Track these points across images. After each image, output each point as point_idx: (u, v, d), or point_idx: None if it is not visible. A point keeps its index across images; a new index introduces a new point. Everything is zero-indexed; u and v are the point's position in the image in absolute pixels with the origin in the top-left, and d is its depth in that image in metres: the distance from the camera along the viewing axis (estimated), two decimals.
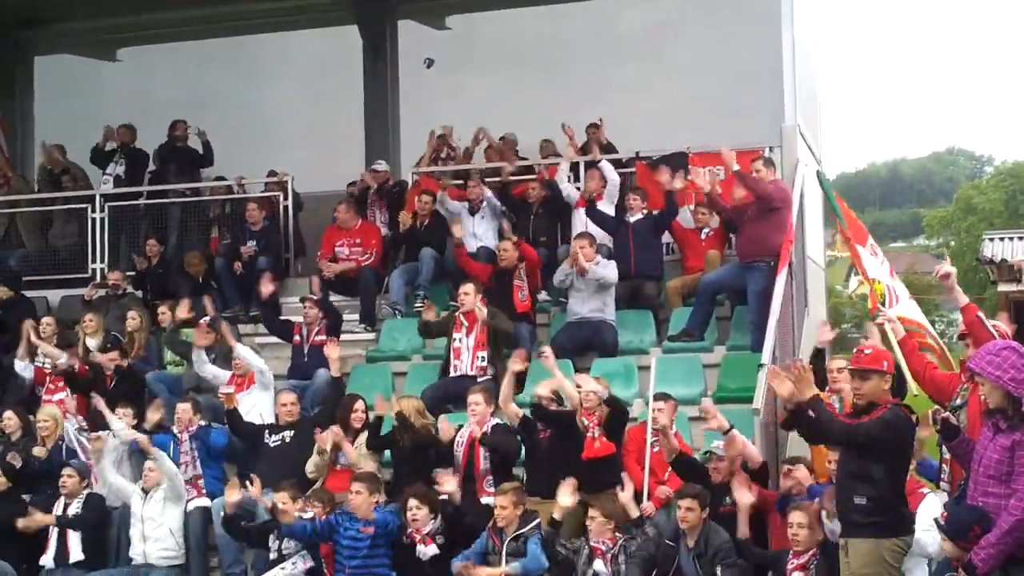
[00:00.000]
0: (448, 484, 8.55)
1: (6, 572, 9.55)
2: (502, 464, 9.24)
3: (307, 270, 13.76)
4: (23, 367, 12.05)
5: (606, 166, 12.44)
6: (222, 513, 9.21)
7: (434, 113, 15.18)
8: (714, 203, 11.66)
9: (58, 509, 9.72)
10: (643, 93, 15.23)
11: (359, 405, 10.07)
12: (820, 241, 15.33)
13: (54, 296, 14.18)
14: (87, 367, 11.44)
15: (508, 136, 14.73)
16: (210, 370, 11.22)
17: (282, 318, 12.34)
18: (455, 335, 10.88)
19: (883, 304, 9.08)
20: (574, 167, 13.10)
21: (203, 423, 10.31)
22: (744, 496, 7.95)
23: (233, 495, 9.06)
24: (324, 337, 11.48)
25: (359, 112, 16.35)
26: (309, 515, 8.70)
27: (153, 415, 10.37)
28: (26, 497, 10.07)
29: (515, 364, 9.57)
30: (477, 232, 12.70)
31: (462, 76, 16.27)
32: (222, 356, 11.40)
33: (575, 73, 15.77)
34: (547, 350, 9.67)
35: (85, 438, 10.44)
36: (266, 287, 11.92)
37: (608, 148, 13.46)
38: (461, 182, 13.59)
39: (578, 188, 12.76)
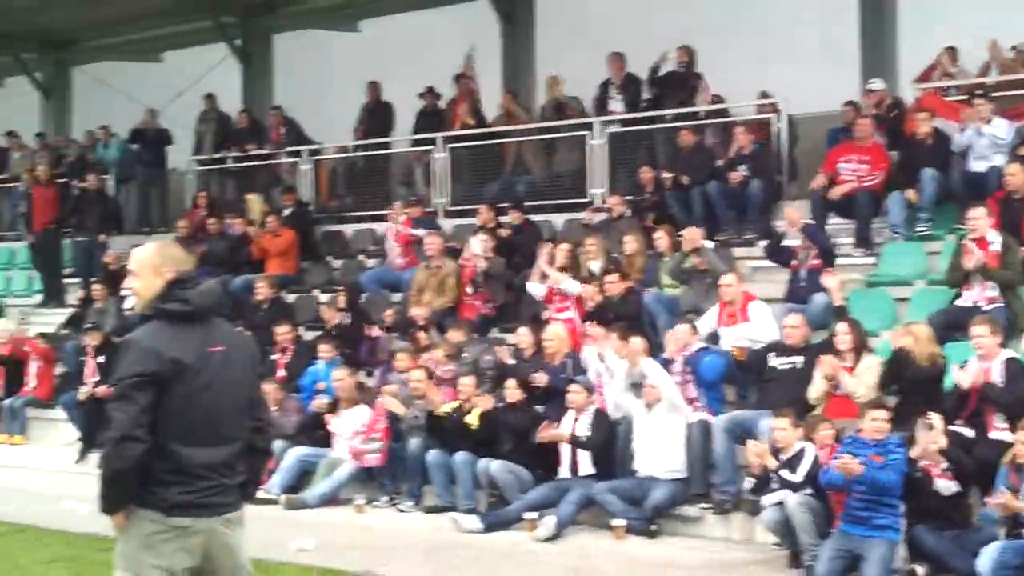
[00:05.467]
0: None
1: (524, 477, 10.26)
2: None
3: (801, 193, 13.60)
4: (535, 288, 12.72)
5: None
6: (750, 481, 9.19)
7: (937, 26, 14.39)
8: None
9: (567, 422, 10.27)
10: None
11: (840, 328, 9.78)
12: None
13: (558, 220, 14.93)
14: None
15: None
16: None
17: (782, 244, 12.29)
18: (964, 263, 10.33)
19: None
20: None
21: (702, 345, 10.53)
22: None
23: (755, 448, 8.91)
24: (819, 261, 11.35)
25: (855, 27, 15.77)
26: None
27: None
28: (539, 408, 10.75)
29: None
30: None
31: None
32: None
33: None
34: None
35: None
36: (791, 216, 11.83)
37: None
38: (965, 97, 12.85)
39: None
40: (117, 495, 4.60)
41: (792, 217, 11.57)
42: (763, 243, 12.37)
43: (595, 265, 12.49)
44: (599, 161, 14.94)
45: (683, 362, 10.25)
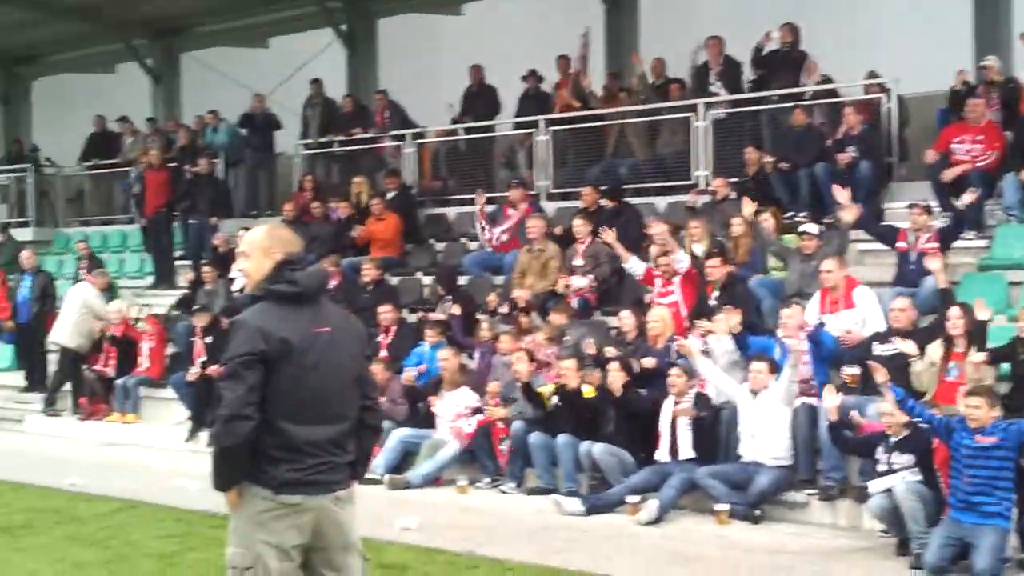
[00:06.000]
0: None
1: (626, 460, 10.23)
2: None
3: (912, 174, 13.33)
4: (634, 266, 12.60)
5: None
6: (827, 420, 9.18)
7: None
8: None
9: (668, 406, 10.18)
10: None
11: (953, 312, 9.56)
12: None
13: (660, 202, 14.81)
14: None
15: None
16: None
17: (885, 223, 12.07)
18: None
19: None
20: None
21: (818, 322, 10.39)
22: None
23: (831, 399, 8.99)
24: (933, 245, 11.09)
25: (968, 4, 15.37)
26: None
27: (731, 317, 10.43)
28: (643, 391, 10.70)
29: None
30: None
31: None
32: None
33: None
34: None
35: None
36: (840, 195, 11.68)
37: None
38: None
39: None
40: (228, 472, 4.69)
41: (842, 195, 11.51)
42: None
43: (698, 248, 12.37)
44: (703, 143, 14.76)
45: (807, 340, 10.07)
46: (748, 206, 12.01)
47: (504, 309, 13.00)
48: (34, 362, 17.09)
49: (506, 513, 10.06)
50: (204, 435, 13.21)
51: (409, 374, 12.11)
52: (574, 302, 12.76)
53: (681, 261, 11.89)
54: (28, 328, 17.02)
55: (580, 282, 12.98)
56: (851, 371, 9.91)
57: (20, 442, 14.93)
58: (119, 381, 15.41)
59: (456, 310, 13.29)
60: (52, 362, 16.61)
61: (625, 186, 14.94)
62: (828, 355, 10.21)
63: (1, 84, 25.82)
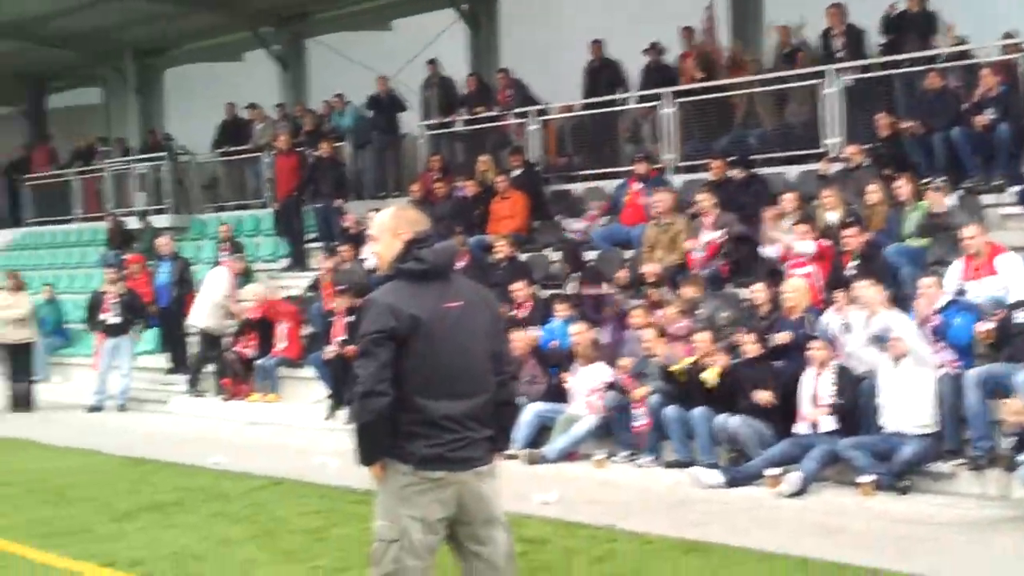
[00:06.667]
0: None
1: (763, 431, 10.11)
2: None
3: None
4: (769, 251, 12.40)
5: None
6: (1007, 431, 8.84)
7: None
8: None
9: (809, 379, 9.99)
10: None
11: None
12: None
13: (791, 172, 14.56)
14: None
15: None
16: None
17: None
18: None
19: None
20: None
21: (950, 299, 10.12)
22: None
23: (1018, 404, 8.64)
24: None
25: None
26: None
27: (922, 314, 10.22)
28: (777, 363, 10.56)
29: None
30: None
31: None
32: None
33: None
34: None
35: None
36: None
37: None
38: None
39: None
40: (369, 447, 4.79)
41: None
42: (1014, 189, 11.78)
43: (832, 216, 12.14)
44: (833, 110, 14.45)
45: (931, 331, 9.84)
46: (938, 200, 11.64)
47: (624, 283, 12.94)
48: (176, 345, 17.59)
49: (643, 487, 10.04)
50: (343, 413, 13.44)
51: (532, 333, 12.13)
52: (704, 272, 12.64)
53: (806, 251, 11.74)
54: (169, 312, 17.53)
55: (707, 236, 12.83)
56: (985, 327, 9.64)
57: (166, 423, 15.40)
58: (259, 361, 15.75)
59: (582, 287, 13.29)
60: (193, 344, 17.05)
61: (753, 156, 14.72)
62: (968, 342, 9.89)
63: (135, 76, 26.51)
